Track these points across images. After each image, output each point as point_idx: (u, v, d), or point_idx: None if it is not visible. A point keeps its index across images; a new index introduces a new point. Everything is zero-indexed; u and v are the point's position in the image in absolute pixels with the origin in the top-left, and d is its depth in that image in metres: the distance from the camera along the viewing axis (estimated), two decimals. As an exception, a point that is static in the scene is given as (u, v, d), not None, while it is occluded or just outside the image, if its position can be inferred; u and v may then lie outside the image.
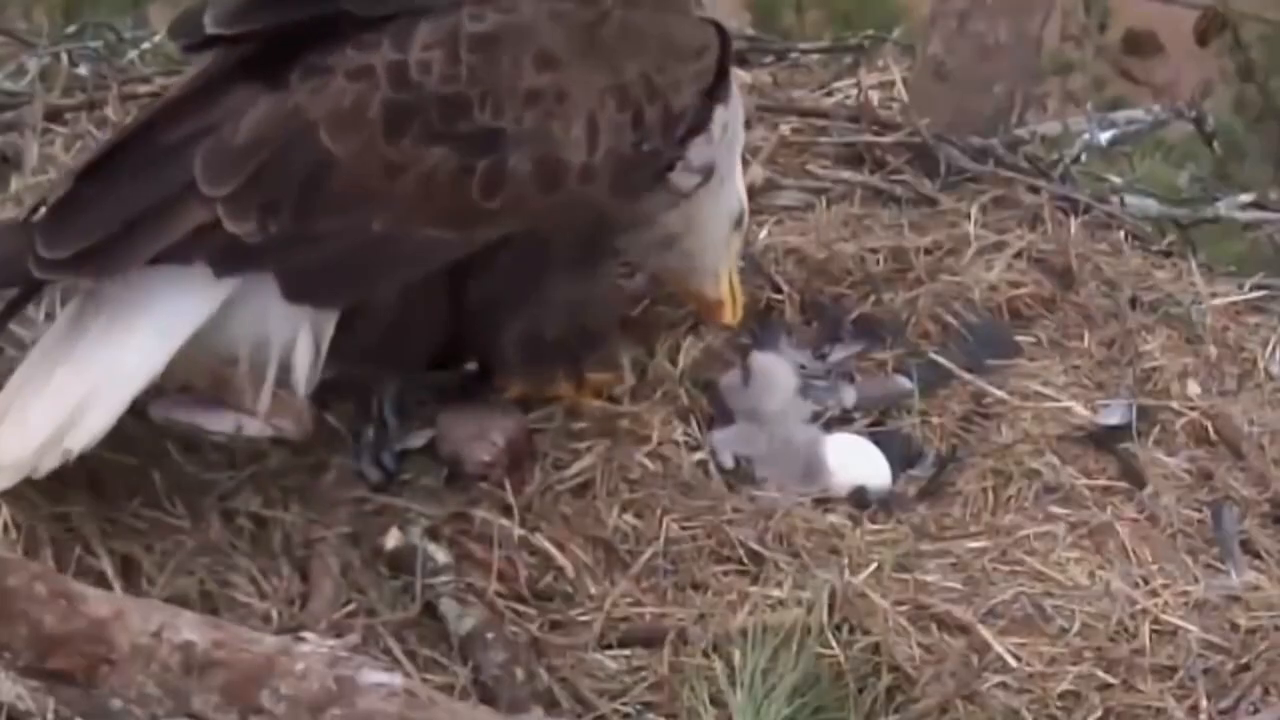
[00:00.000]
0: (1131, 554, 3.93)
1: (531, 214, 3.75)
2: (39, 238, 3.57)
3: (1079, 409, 4.27)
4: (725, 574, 3.79)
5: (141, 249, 3.56)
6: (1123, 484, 4.11)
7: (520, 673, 3.50)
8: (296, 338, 3.67)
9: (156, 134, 3.64)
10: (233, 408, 3.77)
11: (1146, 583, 3.88)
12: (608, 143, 3.77)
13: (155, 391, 3.82)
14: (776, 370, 4.24)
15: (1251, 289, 4.82)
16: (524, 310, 3.90)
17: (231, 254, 3.60)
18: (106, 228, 3.55)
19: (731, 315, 4.22)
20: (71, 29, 5.51)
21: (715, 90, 3.95)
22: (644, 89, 3.80)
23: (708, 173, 4.02)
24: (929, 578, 3.80)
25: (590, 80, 3.75)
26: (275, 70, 3.65)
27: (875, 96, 5.25)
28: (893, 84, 5.35)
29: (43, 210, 3.65)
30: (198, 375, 3.78)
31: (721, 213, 4.12)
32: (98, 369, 3.58)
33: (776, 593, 3.71)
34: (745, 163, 4.34)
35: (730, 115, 4.03)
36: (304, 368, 3.70)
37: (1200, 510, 4.09)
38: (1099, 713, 3.60)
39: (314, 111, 3.62)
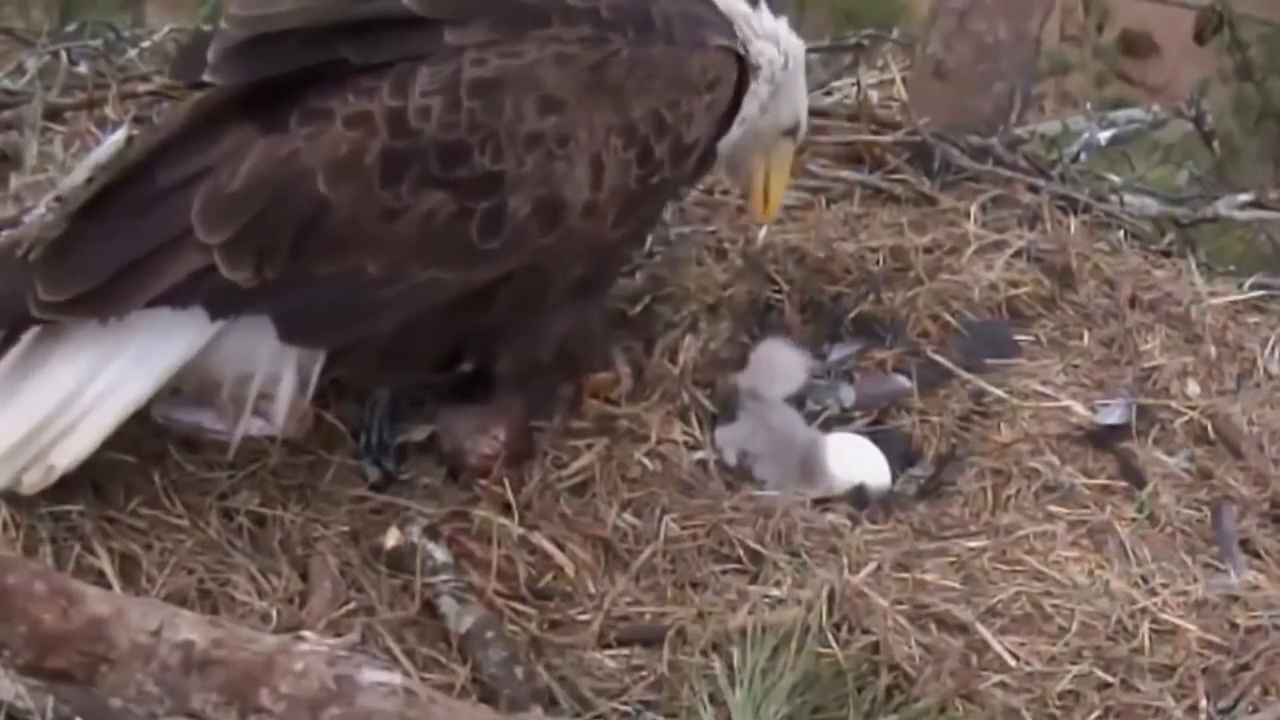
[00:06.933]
0: (1131, 553, 3.93)
1: (532, 251, 3.73)
2: (38, 279, 3.55)
3: (1078, 408, 4.27)
4: (724, 573, 3.79)
5: (139, 294, 3.56)
6: (1122, 483, 4.11)
7: (519, 671, 3.50)
8: (282, 374, 3.69)
9: (155, 174, 3.61)
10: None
11: (1146, 582, 3.88)
12: (613, 180, 3.74)
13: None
14: (784, 358, 4.25)
15: (1250, 288, 4.82)
16: (521, 339, 3.90)
17: (227, 298, 3.59)
18: (104, 272, 3.54)
19: (762, 212, 4.27)
20: (70, 27, 5.51)
21: (731, 117, 3.93)
22: (653, 125, 3.77)
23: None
24: (928, 577, 3.80)
25: (595, 121, 3.71)
26: (273, 111, 3.62)
27: (875, 95, 5.25)
28: (892, 83, 5.34)
29: (39, 248, 3.60)
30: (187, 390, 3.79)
31: (768, 123, 4.09)
32: (83, 391, 3.58)
33: (776, 592, 3.71)
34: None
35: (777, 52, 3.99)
36: (285, 402, 3.72)
37: (1200, 510, 4.09)
38: (1098, 712, 3.60)
39: (311, 158, 3.59)
